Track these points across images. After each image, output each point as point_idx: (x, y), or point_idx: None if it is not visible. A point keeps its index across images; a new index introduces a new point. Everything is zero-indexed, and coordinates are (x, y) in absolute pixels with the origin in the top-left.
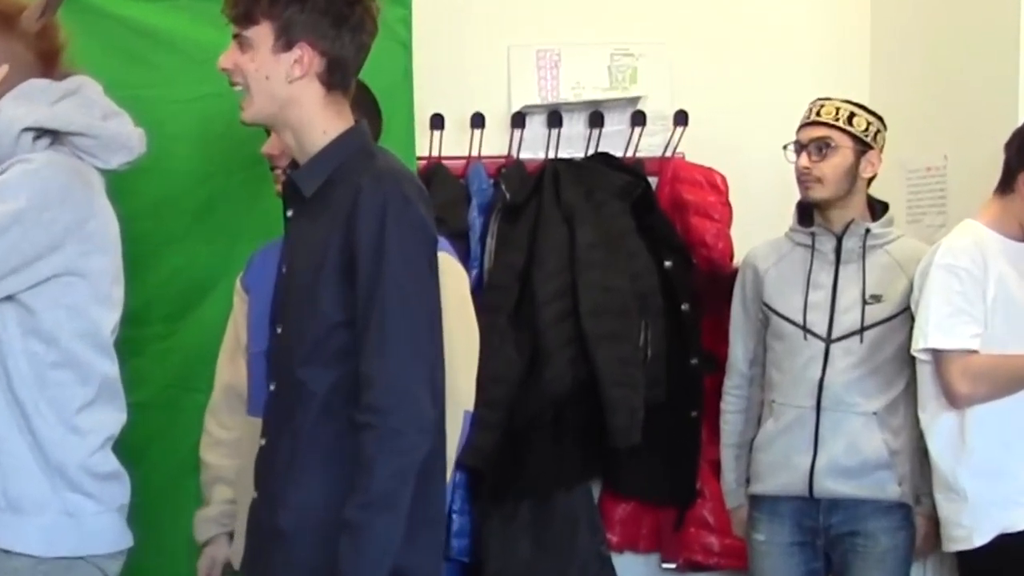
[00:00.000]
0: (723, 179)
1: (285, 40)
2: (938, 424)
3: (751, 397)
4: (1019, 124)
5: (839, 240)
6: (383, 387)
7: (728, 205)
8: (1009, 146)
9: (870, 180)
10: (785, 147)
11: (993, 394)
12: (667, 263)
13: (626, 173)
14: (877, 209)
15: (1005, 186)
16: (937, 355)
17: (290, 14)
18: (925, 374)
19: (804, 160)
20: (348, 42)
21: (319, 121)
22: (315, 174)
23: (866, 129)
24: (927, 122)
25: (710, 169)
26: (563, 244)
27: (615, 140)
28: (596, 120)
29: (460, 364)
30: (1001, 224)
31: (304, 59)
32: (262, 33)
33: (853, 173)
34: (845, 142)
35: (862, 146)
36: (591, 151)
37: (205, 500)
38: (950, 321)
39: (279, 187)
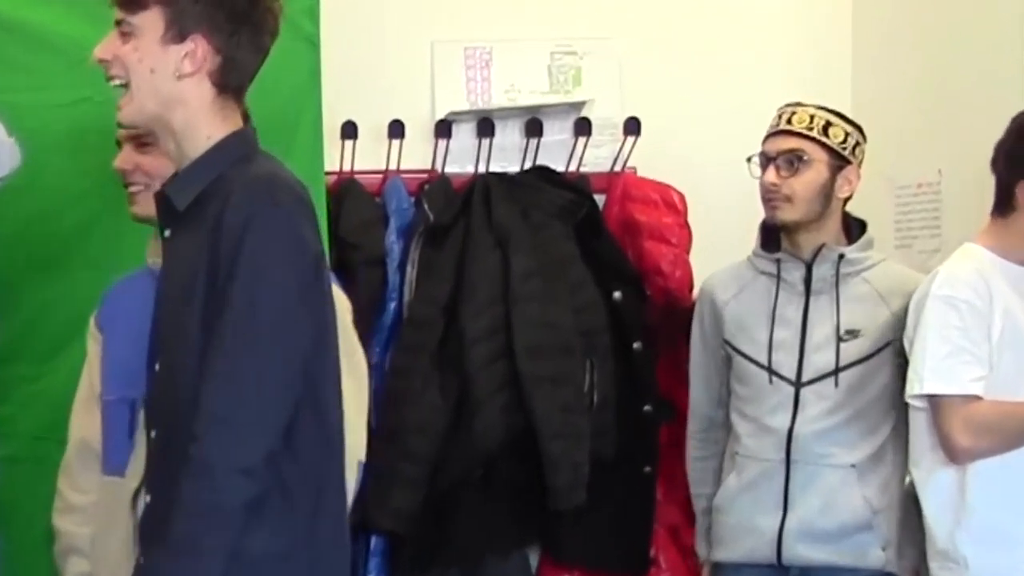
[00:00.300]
0: (681, 197)
1: (177, 30)
2: (935, 481)
3: (720, 441)
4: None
5: (808, 268)
6: (208, 416)
7: (687, 227)
8: (996, 162)
9: (846, 200)
10: (749, 159)
11: (999, 447)
12: (616, 294)
13: (569, 190)
14: (854, 230)
15: (1003, 205)
16: (934, 402)
17: (185, 2)
18: (919, 424)
19: (771, 175)
20: (246, 41)
21: (204, 125)
22: (190, 185)
23: (844, 141)
24: (918, 131)
25: (666, 186)
26: (495, 273)
27: (556, 152)
28: (534, 128)
29: (346, 408)
30: (1004, 248)
31: (197, 53)
32: (150, 20)
33: (827, 192)
34: (820, 156)
35: (839, 161)
36: (528, 164)
37: (60, 574)
38: (949, 362)
39: (134, 208)
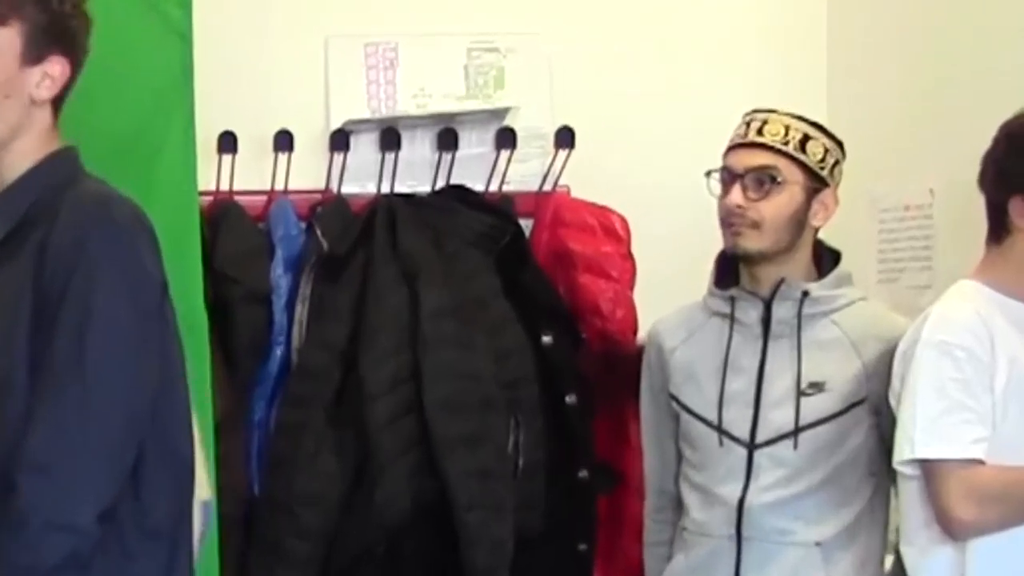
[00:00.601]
0: (623, 222)
1: (37, 49)
2: (931, 561)
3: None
4: None
5: (767, 306)
6: (28, 466)
7: (630, 258)
8: (983, 178)
9: (818, 228)
10: (708, 174)
11: (1006, 520)
12: (546, 338)
13: (489, 214)
14: (826, 262)
15: (997, 230)
16: (929, 468)
17: (47, 15)
18: (911, 494)
19: (737, 196)
20: (83, 57)
21: (36, 151)
22: (8, 211)
23: (822, 160)
24: (905, 144)
25: (605, 208)
26: (402, 312)
27: (474, 168)
28: (447, 141)
29: None
30: (1004, 282)
31: (57, 75)
32: (8, 37)
33: (800, 219)
34: (795, 176)
35: (815, 183)
36: (441, 183)
37: None
38: (946, 421)
39: None
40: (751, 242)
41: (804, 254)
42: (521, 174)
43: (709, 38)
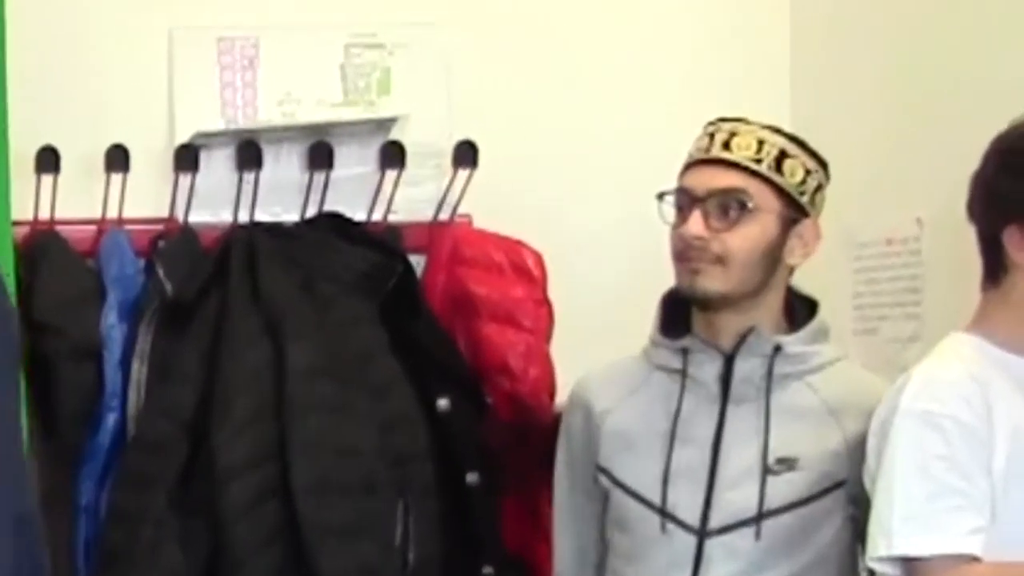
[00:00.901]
0: (538, 259)
1: None
2: None
3: None
4: None
5: (728, 361)
6: None
7: (546, 304)
8: (972, 206)
9: (794, 268)
10: (660, 197)
11: None
12: (442, 403)
13: (373, 249)
14: (798, 312)
15: (993, 268)
16: (912, 568)
17: None
18: None
19: (697, 225)
20: None
21: None
22: None
23: (802, 182)
24: (887, 165)
25: (516, 242)
26: (263, 372)
27: (354, 192)
28: (321, 158)
29: None
30: (1004, 334)
31: None
32: None
33: (775, 255)
34: (769, 202)
35: (794, 211)
36: (312, 210)
37: None
38: (931, 508)
39: None
40: (713, 282)
41: (775, 299)
42: (412, 200)
43: (651, 34)
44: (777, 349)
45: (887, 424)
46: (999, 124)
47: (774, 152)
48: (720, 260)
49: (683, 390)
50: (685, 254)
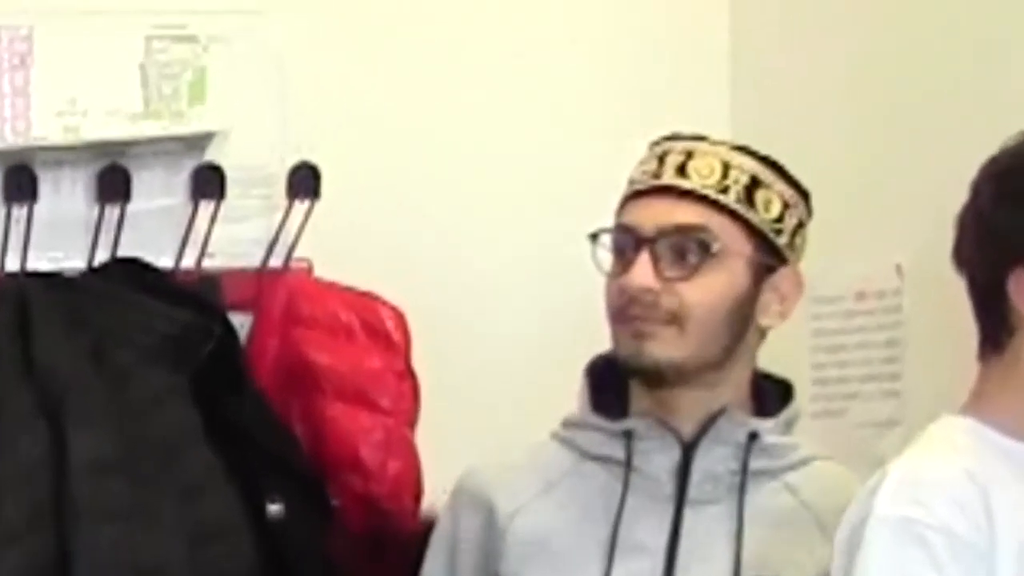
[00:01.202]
0: (398, 319)
1: None
2: None
3: None
4: None
5: (687, 450)
6: None
7: (410, 377)
8: (961, 249)
9: (767, 330)
10: (594, 237)
11: None
12: (273, 507)
13: (182, 305)
14: (767, 391)
15: (996, 329)
16: None
17: None
18: None
19: (644, 274)
20: None
21: None
22: None
23: (779, 218)
24: (857, 199)
25: (370, 297)
26: (39, 465)
27: (158, 230)
28: (114, 186)
29: None
30: (1013, 418)
31: None
32: None
33: (745, 314)
34: (738, 244)
35: (769, 256)
36: (103, 255)
37: None
38: None
39: None
40: (666, 348)
41: (743, 373)
42: (234, 240)
43: (556, 26)
44: (752, 438)
45: (857, 536)
46: (998, 143)
47: (743, 179)
48: (675, 319)
49: (626, 486)
50: (627, 311)
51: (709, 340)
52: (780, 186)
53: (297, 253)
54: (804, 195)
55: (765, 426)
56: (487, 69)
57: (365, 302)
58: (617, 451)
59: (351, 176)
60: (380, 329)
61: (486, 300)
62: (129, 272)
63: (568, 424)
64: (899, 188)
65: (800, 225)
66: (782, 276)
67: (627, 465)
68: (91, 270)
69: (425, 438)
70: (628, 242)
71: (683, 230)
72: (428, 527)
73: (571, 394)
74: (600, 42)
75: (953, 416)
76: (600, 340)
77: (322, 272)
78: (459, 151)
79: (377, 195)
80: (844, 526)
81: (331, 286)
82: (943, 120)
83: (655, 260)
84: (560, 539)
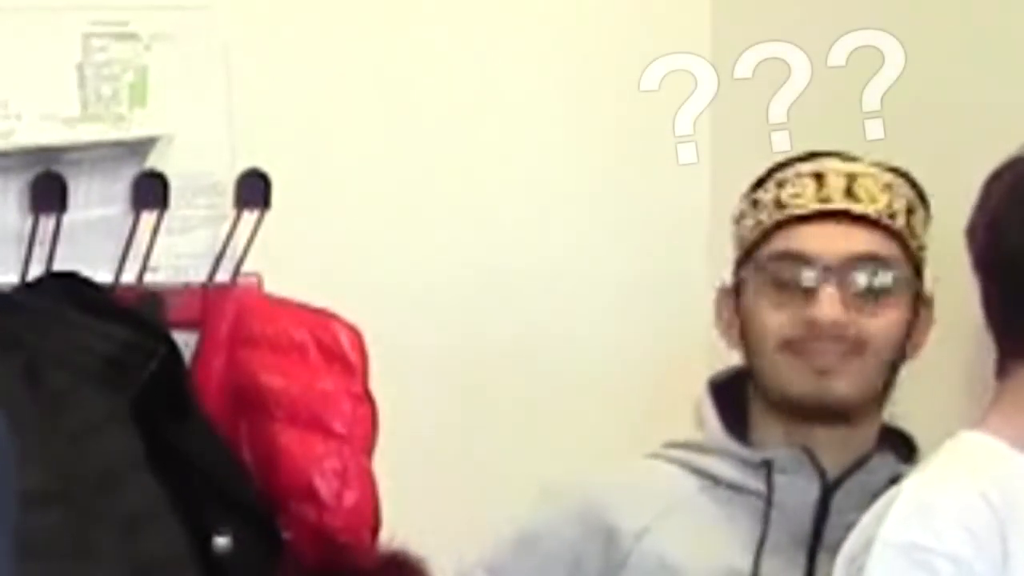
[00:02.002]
0: (355, 338)
1: None
2: None
3: None
4: None
5: (826, 490)
6: None
7: (368, 401)
8: (986, 256)
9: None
10: (739, 272)
11: None
12: (220, 540)
13: (122, 323)
14: (891, 438)
15: (1015, 342)
16: None
17: None
18: None
19: (832, 308)
20: None
21: None
22: None
23: (924, 245)
24: None
25: (325, 314)
26: None
27: (96, 242)
28: (48, 194)
29: None
30: None
31: None
32: None
33: (903, 344)
34: (906, 271)
35: (921, 283)
36: (37, 269)
37: None
38: None
39: None
40: (851, 383)
41: (880, 415)
42: (178, 253)
43: (514, 28)
44: (893, 482)
45: (859, 560)
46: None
47: (903, 204)
48: (857, 351)
49: (767, 521)
50: (807, 345)
51: (879, 373)
52: (923, 212)
53: (246, 267)
54: (926, 205)
55: (906, 469)
56: (449, 70)
57: (319, 319)
58: (757, 482)
59: (303, 184)
60: (335, 349)
61: (448, 317)
62: (65, 287)
63: (688, 446)
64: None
65: (921, 247)
66: (924, 304)
67: (768, 499)
68: (24, 285)
69: (383, 466)
70: (804, 271)
71: (868, 259)
72: (385, 562)
73: (539, 411)
74: (558, 32)
75: (970, 432)
76: (568, 353)
77: (273, 287)
78: (420, 158)
79: (331, 205)
80: (846, 550)
81: (282, 302)
82: (942, 121)
83: (842, 291)
84: (694, 565)
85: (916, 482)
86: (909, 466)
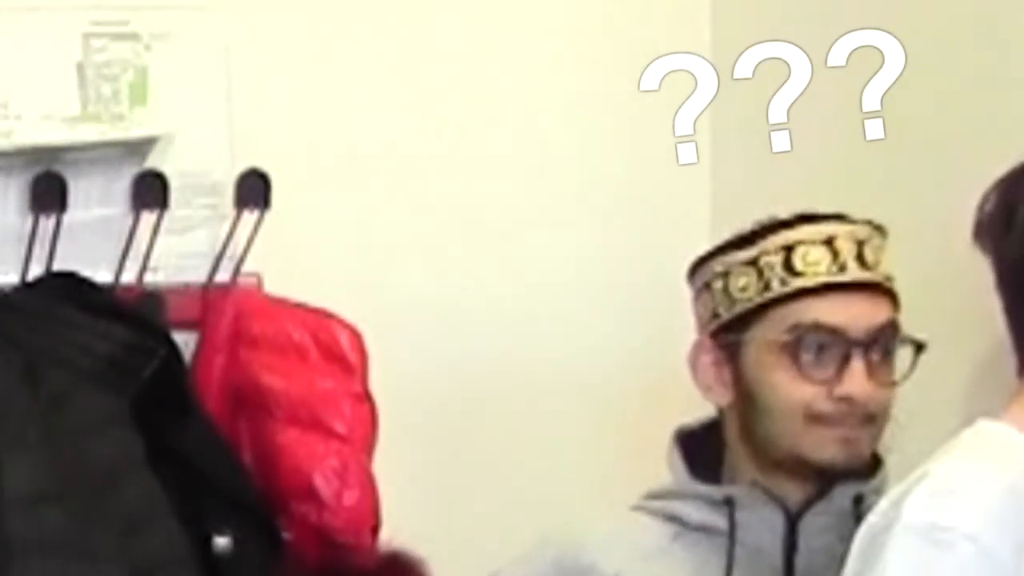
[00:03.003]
0: (354, 338)
1: None
2: None
3: None
4: None
5: (792, 522)
6: None
7: (367, 401)
8: (993, 227)
9: None
10: (799, 340)
11: None
12: (220, 540)
13: (122, 323)
14: None
15: None
16: None
17: None
18: None
19: (861, 383)
20: None
21: None
22: None
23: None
24: (841, 195)
25: (325, 315)
26: None
27: (96, 242)
28: (48, 194)
29: None
30: None
31: None
32: None
33: None
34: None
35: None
36: (37, 269)
37: None
38: None
39: None
40: (867, 446)
41: None
42: (178, 253)
43: (515, 30)
44: (857, 502)
45: (877, 542)
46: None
47: (886, 260)
48: (872, 420)
49: (731, 560)
50: (829, 418)
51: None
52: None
53: (246, 267)
54: None
55: (867, 488)
56: (449, 70)
57: (319, 320)
58: (719, 521)
59: (303, 184)
60: (335, 349)
61: (448, 317)
62: (65, 287)
63: (660, 495)
64: (895, 191)
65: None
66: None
67: (731, 537)
68: (24, 285)
69: (383, 466)
70: (831, 343)
71: (887, 329)
72: (385, 562)
73: (539, 410)
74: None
75: (991, 422)
76: (568, 351)
77: (273, 287)
78: (419, 157)
79: (331, 204)
80: (865, 530)
81: (282, 302)
82: (941, 125)
83: (868, 364)
84: None
85: (943, 467)
86: (872, 482)
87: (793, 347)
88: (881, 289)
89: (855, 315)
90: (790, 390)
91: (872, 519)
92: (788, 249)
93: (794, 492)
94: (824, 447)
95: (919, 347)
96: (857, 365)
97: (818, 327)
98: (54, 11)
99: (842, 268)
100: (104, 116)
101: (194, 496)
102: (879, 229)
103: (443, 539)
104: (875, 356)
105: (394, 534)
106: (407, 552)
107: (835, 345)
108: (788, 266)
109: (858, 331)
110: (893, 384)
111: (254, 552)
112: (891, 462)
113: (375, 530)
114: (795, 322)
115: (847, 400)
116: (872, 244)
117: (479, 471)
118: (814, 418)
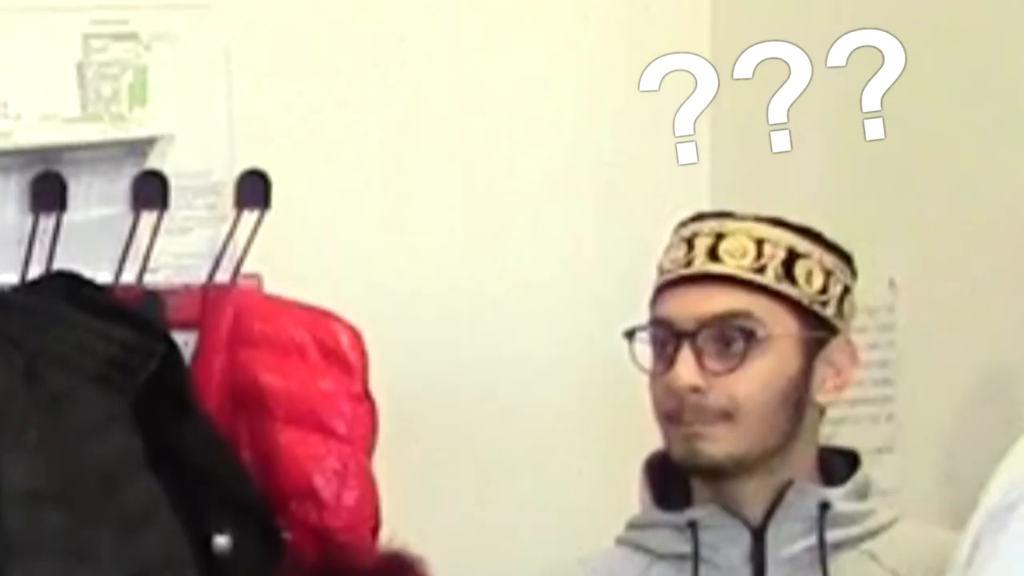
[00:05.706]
0: (354, 338)
1: None
2: None
3: None
4: None
5: (757, 536)
6: None
7: (367, 401)
8: None
9: (826, 407)
10: (629, 335)
11: None
12: (220, 540)
13: (122, 323)
14: (833, 464)
15: None
16: None
17: None
18: None
19: (688, 370)
20: None
21: None
22: None
23: (824, 289)
24: (846, 207)
25: (325, 315)
26: None
27: (96, 242)
28: (48, 194)
29: None
30: None
31: None
32: None
33: (800, 395)
34: (784, 325)
35: (818, 330)
36: (36, 269)
37: None
38: None
39: None
40: (721, 445)
41: (807, 453)
42: (178, 253)
43: (513, 28)
44: (824, 508)
45: (998, 519)
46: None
47: (780, 254)
48: (726, 415)
49: None
50: (675, 412)
51: (766, 429)
52: (819, 254)
53: (246, 267)
54: (846, 258)
55: (835, 494)
56: (449, 70)
57: (319, 320)
58: (683, 545)
59: (303, 184)
60: (335, 349)
61: (448, 316)
62: (65, 287)
63: (633, 526)
64: (894, 198)
65: (846, 291)
66: (834, 348)
67: (694, 558)
68: (23, 285)
69: (383, 466)
70: (666, 337)
71: (723, 319)
72: (385, 562)
73: (540, 409)
74: (550, 37)
75: None
76: (568, 349)
77: (272, 287)
78: (419, 157)
79: (331, 204)
80: (981, 513)
81: (282, 302)
82: (941, 125)
83: (697, 355)
84: None
85: None
86: (843, 487)
87: (652, 345)
88: (731, 280)
89: (683, 305)
90: (652, 391)
91: (988, 501)
92: (665, 251)
93: (754, 505)
94: (675, 445)
95: (750, 335)
96: (682, 354)
97: (654, 322)
98: (54, 11)
99: (687, 263)
100: (104, 116)
101: (194, 496)
102: (777, 222)
103: (443, 539)
104: (707, 346)
105: (394, 534)
106: (407, 552)
107: (667, 338)
108: (660, 267)
109: (686, 322)
110: (728, 372)
111: (254, 552)
112: (891, 462)
113: (375, 530)
114: (650, 321)
115: (676, 393)
116: (738, 238)
117: (479, 471)
118: (667, 417)
